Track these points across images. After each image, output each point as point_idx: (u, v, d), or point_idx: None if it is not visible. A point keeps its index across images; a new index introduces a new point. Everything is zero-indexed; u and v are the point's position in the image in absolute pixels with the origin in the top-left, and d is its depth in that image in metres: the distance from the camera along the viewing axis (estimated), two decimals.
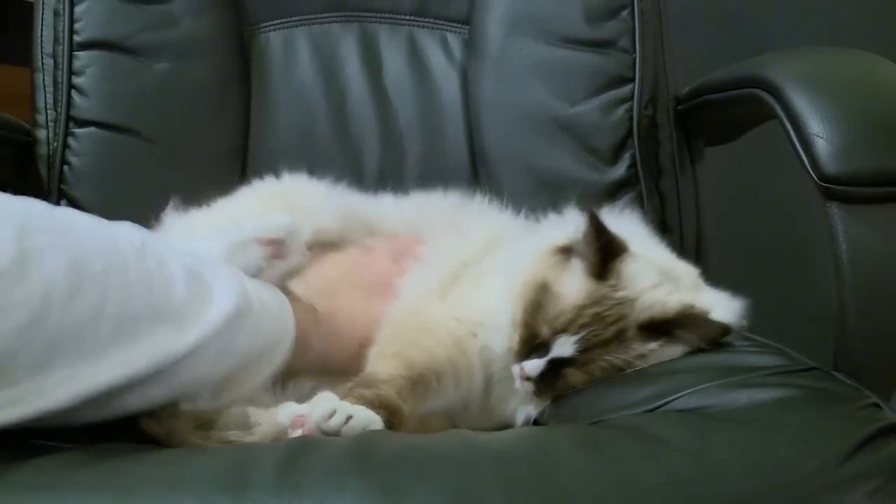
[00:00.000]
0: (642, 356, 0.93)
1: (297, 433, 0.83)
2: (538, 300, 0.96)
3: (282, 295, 0.95)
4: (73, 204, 1.31)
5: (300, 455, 0.72)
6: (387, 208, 1.19)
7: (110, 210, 1.28)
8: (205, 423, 0.85)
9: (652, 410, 0.84)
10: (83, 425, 0.79)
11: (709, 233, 1.41)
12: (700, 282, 1.03)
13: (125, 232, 0.85)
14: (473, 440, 0.77)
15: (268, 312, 0.90)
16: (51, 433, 0.78)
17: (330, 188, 1.18)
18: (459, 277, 1.07)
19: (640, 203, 1.34)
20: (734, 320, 0.96)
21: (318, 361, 0.96)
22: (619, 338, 0.93)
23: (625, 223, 1.08)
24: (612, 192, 1.35)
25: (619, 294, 0.94)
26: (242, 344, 0.86)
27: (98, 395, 0.75)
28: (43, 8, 1.35)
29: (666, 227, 1.36)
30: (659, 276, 0.97)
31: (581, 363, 0.93)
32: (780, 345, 0.96)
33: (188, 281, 0.83)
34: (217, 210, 1.13)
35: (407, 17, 1.47)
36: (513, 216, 1.19)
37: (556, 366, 0.93)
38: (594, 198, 1.32)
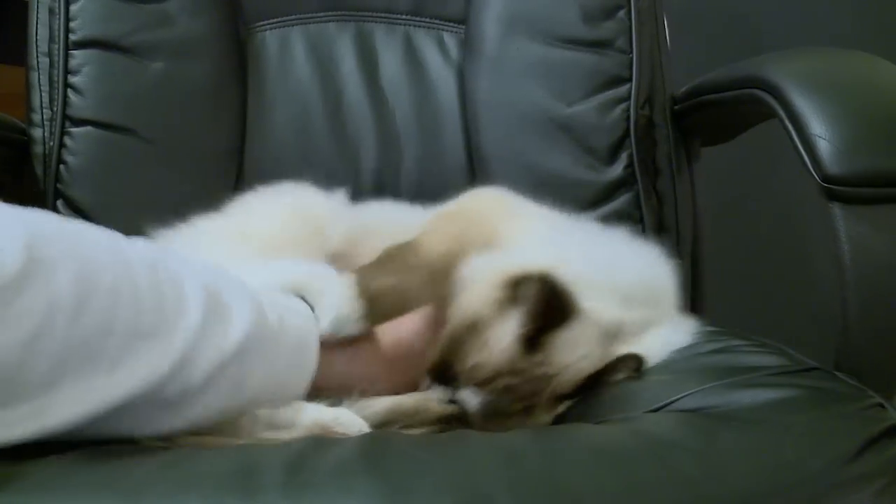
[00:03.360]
0: (543, 420, 0.90)
1: None
2: (464, 336, 0.91)
3: (311, 318, 0.90)
4: (70, 203, 1.30)
5: (308, 455, 0.72)
6: (394, 217, 1.19)
7: (107, 209, 1.30)
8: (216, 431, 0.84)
9: (655, 411, 0.84)
10: None
11: (709, 233, 1.41)
12: (657, 316, 0.99)
13: (138, 247, 0.82)
14: (481, 440, 0.77)
15: (288, 339, 0.86)
16: None
17: (335, 202, 1.18)
18: None
19: (637, 203, 1.35)
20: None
21: (341, 382, 0.91)
22: (526, 410, 0.89)
23: (605, 243, 1.06)
24: (610, 192, 1.35)
25: (541, 370, 0.89)
26: (256, 376, 0.83)
27: (106, 413, 0.73)
28: (38, 6, 1.34)
29: (663, 227, 1.36)
30: (596, 341, 0.92)
31: (482, 416, 0.90)
32: (779, 344, 0.96)
33: (203, 302, 0.80)
34: (239, 224, 1.12)
35: (403, 17, 1.46)
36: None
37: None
38: (592, 198, 1.33)
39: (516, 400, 0.89)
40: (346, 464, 0.70)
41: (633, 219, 1.34)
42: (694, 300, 1.39)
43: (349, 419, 0.84)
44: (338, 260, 1.07)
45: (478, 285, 0.94)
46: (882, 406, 0.80)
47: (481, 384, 0.89)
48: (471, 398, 0.89)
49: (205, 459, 0.73)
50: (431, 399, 0.91)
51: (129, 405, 0.74)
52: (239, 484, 0.68)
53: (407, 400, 0.91)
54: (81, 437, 0.74)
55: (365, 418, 0.86)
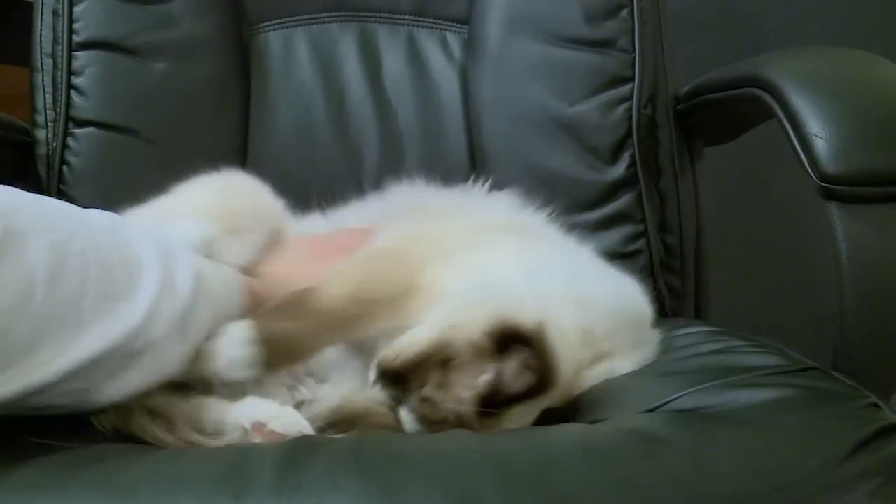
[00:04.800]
0: None
1: (257, 439, 0.84)
2: (430, 360, 0.85)
3: (233, 275, 0.96)
4: (73, 203, 1.29)
5: (299, 455, 0.72)
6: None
7: (110, 209, 1.29)
8: (166, 418, 0.86)
9: (651, 411, 0.84)
10: (73, 422, 0.80)
11: (709, 232, 1.41)
12: (613, 347, 0.94)
13: (96, 215, 0.87)
14: (472, 440, 0.77)
15: (221, 289, 0.92)
16: (50, 433, 0.79)
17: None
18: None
19: (639, 203, 1.34)
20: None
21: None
22: None
23: (575, 271, 1.01)
24: (612, 192, 1.34)
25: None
26: (200, 321, 0.88)
27: (80, 369, 0.76)
28: (42, 8, 1.35)
29: (665, 227, 1.36)
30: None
31: None
32: (779, 344, 0.96)
33: (159, 261, 0.84)
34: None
35: (406, 17, 1.47)
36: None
37: None
38: (594, 198, 1.33)
39: None
40: (338, 463, 0.71)
41: (635, 219, 1.34)
42: (697, 300, 1.39)
43: (290, 418, 0.85)
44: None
45: (466, 314, 0.87)
46: (877, 406, 0.80)
47: (424, 420, 0.85)
48: (409, 420, 0.86)
49: (197, 459, 0.74)
50: (382, 404, 0.89)
51: (100, 359, 0.77)
52: (230, 483, 0.69)
53: (357, 402, 0.90)
54: (53, 398, 0.76)
55: (312, 418, 0.86)
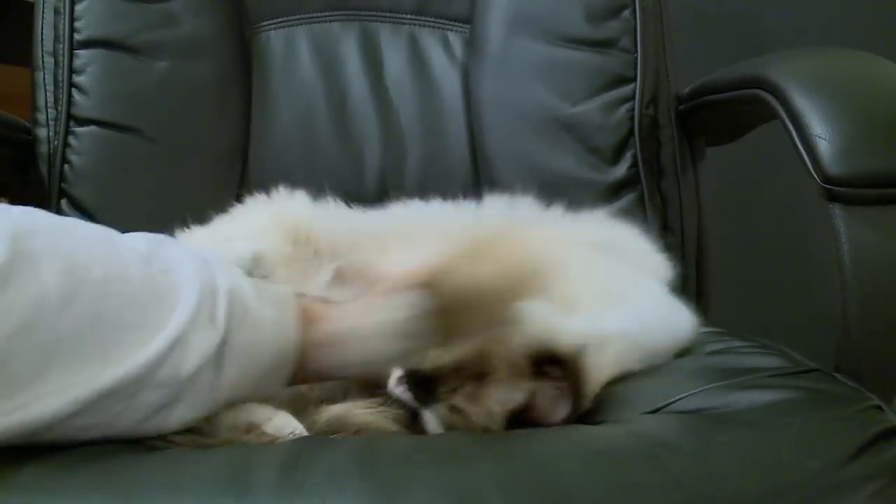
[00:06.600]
0: None
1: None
2: (464, 369, 0.83)
3: (287, 296, 0.90)
4: (74, 202, 1.31)
5: (302, 456, 0.72)
6: (387, 220, 1.15)
7: (111, 208, 1.30)
8: None
9: (653, 412, 0.83)
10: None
11: (711, 233, 1.40)
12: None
13: (131, 240, 0.83)
14: (474, 441, 0.77)
15: (268, 318, 0.86)
16: None
17: (323, 208, 1.14)
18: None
19: (641, 203, 1.34)
20: None
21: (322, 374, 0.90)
22: None
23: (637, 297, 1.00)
24: (614, 193, 1.35)
25: None
26: (236, 353, 0.82)
27: (95, 401, 0.73)
28: (44, 6, 1.35)
29: (667, 228, 1.36)
30: None
31: None
32: (781, 346, 0.96)
33: (198, 291, 0.80)
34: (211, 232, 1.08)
35: (408, 17, 1.46)
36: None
37: None
38: (596, 198, 1.33)
39: None
40: (340, 464, 0.71)
41: (636, 219, 1.34)
42: (698, 301, 1.38)
43: (283, 421, 0.83)
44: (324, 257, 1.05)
45: (514, 333, 0.84)
46: (880, 408, 0.79)
47: (450, 428, 0.83)
48: (432, 423, 0.84)
49: (199, 460, 0.73)
50: (385, 418, 0.87)
51: (114, 392, 0.74)
52: (232, 484, 0.68)
53: (360, 414, 0.87)
54: (69, 433, 0.73)
55: (307, 426, 0.84)
